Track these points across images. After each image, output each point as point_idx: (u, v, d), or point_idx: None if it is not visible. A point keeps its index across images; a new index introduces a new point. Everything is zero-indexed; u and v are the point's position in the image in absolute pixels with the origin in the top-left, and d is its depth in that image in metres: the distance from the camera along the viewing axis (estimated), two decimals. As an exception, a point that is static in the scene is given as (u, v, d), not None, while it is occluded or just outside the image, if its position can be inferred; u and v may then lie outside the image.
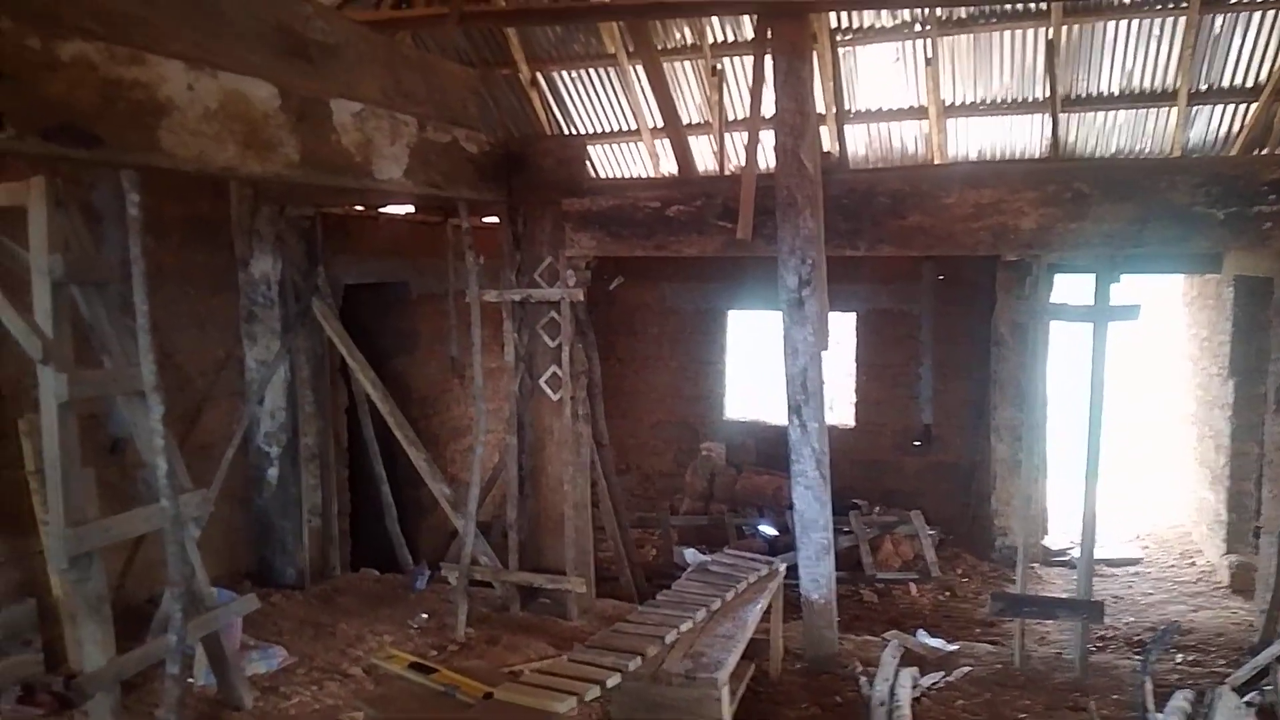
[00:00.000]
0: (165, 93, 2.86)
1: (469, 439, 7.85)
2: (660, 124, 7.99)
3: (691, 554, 6.73)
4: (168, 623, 4.26)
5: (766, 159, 5.36)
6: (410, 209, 6.45)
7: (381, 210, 6.33)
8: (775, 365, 8.01)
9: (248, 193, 5.29)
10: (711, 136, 7.65)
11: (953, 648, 4.77)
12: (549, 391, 4.98)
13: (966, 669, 4.35)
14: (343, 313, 5.77)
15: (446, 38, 6.08)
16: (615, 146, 8.05)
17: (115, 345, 3.56)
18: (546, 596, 5.03)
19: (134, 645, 3.56)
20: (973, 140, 6.96)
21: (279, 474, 5.49)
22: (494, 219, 6.08)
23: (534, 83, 7.55)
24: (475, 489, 4.91)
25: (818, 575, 4.38)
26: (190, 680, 3.69)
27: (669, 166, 8.08)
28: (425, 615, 4.90)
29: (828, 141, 6.16)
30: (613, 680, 2.96)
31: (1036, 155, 6.85)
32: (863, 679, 4.15)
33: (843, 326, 8.49)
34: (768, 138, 4.45)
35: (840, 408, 8.83)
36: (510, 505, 5.00)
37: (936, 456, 8.40)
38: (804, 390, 4.32)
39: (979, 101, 6.62)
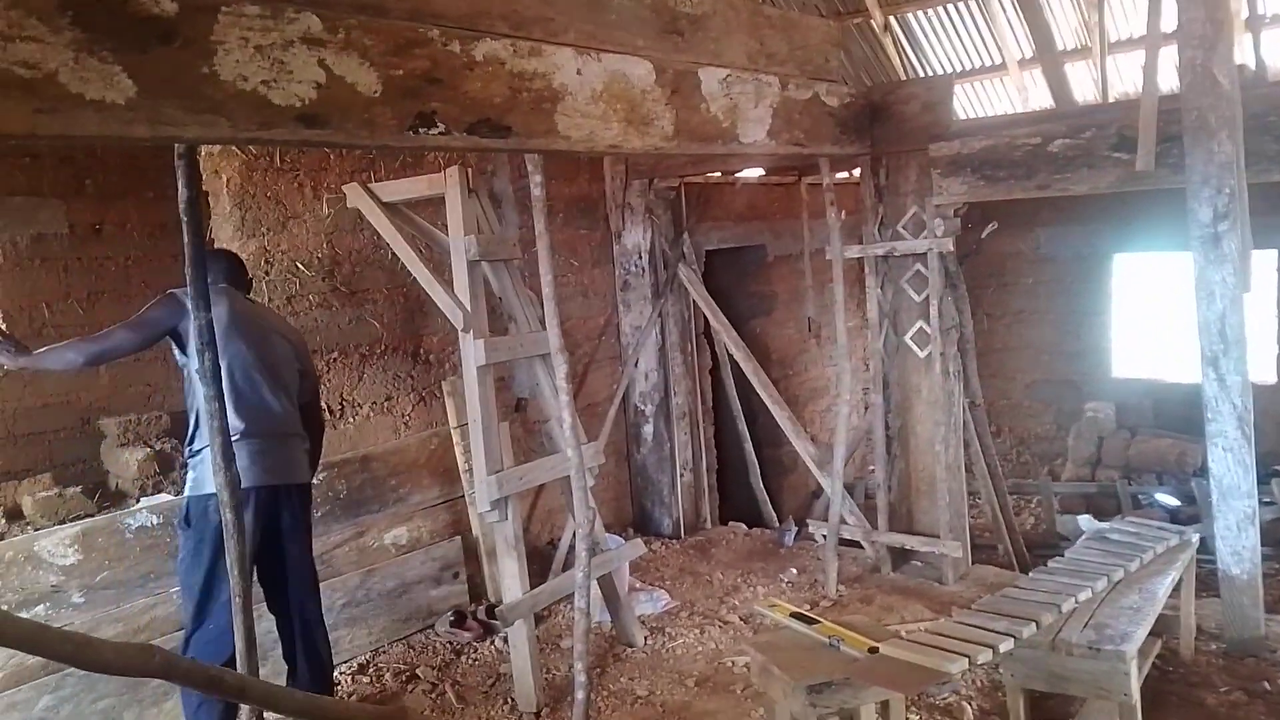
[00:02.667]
0: (560, 80, 3.10)
1: (827, 400, 7.85)
2: (1028, 55, 7.38)
3: (1086, 520, 6.24)
4: (570, 562, 4.77)
5: (1164, 80, 4.75)
6: (761, 172, 6.53)
7: (737, 175, 6.48)
8: (1173, 315, 7.17)
9: (620, 169, 5.65)
10: (1091, 62, 6.93)
11: None
12: (915, 349, 4.81)
13: None
14: (705, 277, 6.00)
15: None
16: (976, 85, 7.57)
17: (520, 314, 3.98)
18: (919, 560, 4.91)
19: (539, 582, 3.99)
20: None
21: (654, 431, 5.86)
22: (844, 174, 6.00)
23: (887, 28, 7.28)
24: (841, 448, 4.89)
25: (1239, 548, 3.85)
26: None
27: (1039, 100, 7.45)
28: (795, 571, 4.99)
29: (1240, 53, 5.32)
30: (1005, 645, 2.82)
31: None
32: (1300, 669, 3.61)
33: (1264, 266, 7.33)
34: (1166, 55, 3.94)
35: (1260, 360, 7.67)
36: (879, 465, 4.92)
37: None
38: (1222, 339, 3.79)
39: None
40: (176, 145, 2.28)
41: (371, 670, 3.92)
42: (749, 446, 6.47)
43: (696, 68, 3.69)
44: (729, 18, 3.90)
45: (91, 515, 3.51)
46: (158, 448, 4.08)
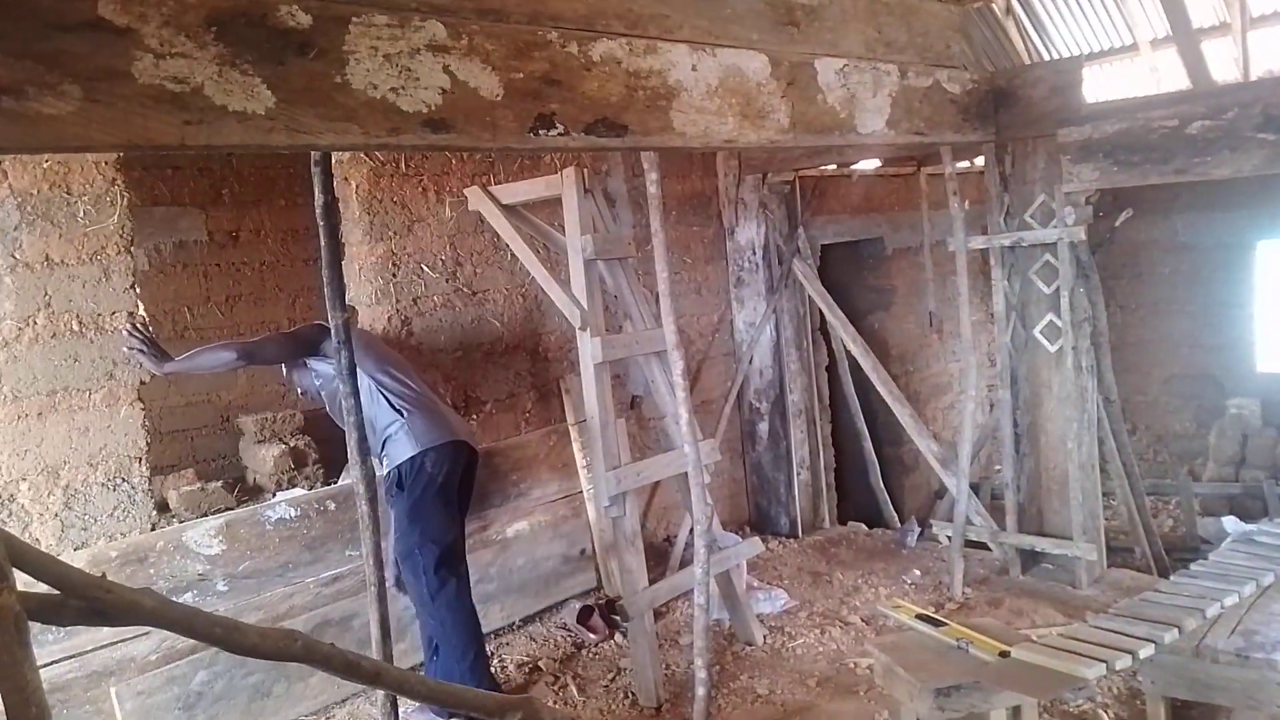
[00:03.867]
0: (675, 77, 3.10)
1: (949, 397, 7.63)
2: (1161, 35, 7.02)
3: (1231, 522, 5.89)
4: (687, 559, 4.77)
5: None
6: (878, 163, 6.39)
7: (853, 167, 6.35)
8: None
9: (733, 164, 5.62)
10: (1231, 39, 6.54)
11: None
12: (1045, 343, 4.63)
13: None
14: (820, 272, 5.91)
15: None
16: (1104, 66, 7.23)
17: (635, 311, 4.00)
18: (1050, 562, 4.72)
19: (656, 579, 4.00)
20: None
21: (769, 428, 5.80)
22: (964, 163, 5.81)
23: (1009, 11, 7.03)
24: (967, 446, 4.74)
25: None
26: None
27: (1173, 82, 7.06)
28: (918, 572, 4.86)
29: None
30: (1146, 651, 2.68)
31: None
32: None
33: None
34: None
35: None
36: (1006, 464, 4.75)
37: None
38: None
39: None
40: (312, 153, 2.38)
41: (496, 660, 4.01)
42: (868, 445, 6.34)
43: (813, 59, 3.64)
44: (845, 7, 3.84)
45: (231, 509, 3.70)
46: (292, 444, 4.27)
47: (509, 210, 4.20)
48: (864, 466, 6.40)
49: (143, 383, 3.42)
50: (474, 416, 4.51)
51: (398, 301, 4.24)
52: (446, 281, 4.44)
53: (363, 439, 2.49)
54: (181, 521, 3.59)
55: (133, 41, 1.94)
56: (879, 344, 6.81)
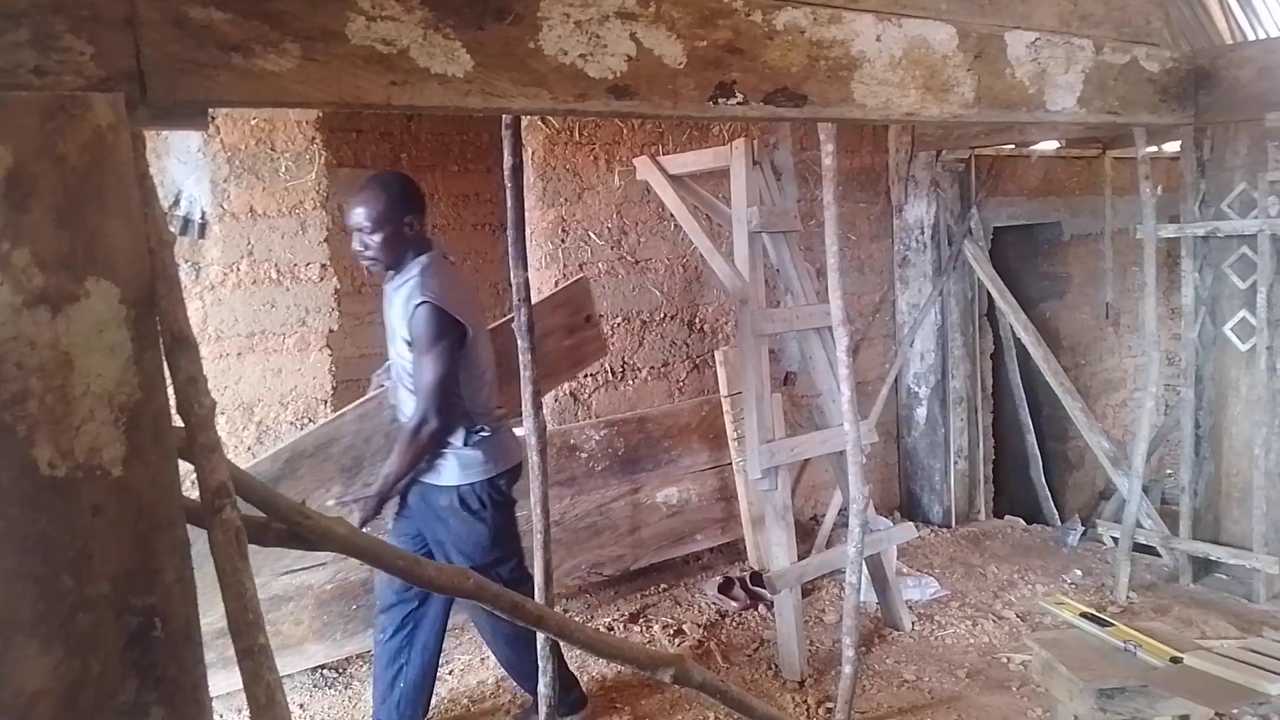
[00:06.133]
0: (858, 47, 3.04)
1: (1121, 393, 7.22)
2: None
3: None
4: (834, 539, 4.73)
5: None
6: (1059, 144, 6.07)
7: (1033, 147, 6.06)
8: None
9: (905, 140, 5.46)
10: None
11: None
12: (1236, 341, 4.31)
13: None
14: (991, 255, 5.69)
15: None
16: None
17: (797, 286, 3.97)
18: (1224, 573, 4.42)
19: (802, 556, 3.98)
20: None
21: (927, 414, 5.65)
22: (1152, 148, 5.44)
23: (1216, -16, 6.50)
24: (1142, 445, 4.48)
25: None
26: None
27: None
28: (1079, 572, 4.65)
29: None
30: (1338, 675, 2.49)
31: None
32: None
33: None
34: None
35: None
36: (1184, 467, 4.47)
37: None
38: None
39: None
40: (503, 116, 2.46)
41: (642, 621, 4.10)
42: (1031, 438, 6.09)
43: (1002, 31, 3.49)
44: (1041, -23, 3.65)
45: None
46: (457, 398, 4.45)
47: (676, 180, 4.23)
48: (1025, 460, 6.15)
49: (331, 331, 3.65)
50: (630, 383, 4.59)
51: (565, 266, 4.35)
52: (611, 249, 4.52)
53: (536, 394, 2.57)
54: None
55: (348, 4, 2.05)
56: (1050, 334, 6.51)
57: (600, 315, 4.19)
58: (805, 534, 4.97)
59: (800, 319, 3.86)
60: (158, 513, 1.39)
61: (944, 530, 5.43)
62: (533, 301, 2.73)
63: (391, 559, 1.84)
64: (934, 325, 5.57)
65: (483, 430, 2.95)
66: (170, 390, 1.42)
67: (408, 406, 2.93)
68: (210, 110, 1.98)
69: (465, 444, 2.92)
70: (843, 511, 4.31)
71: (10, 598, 1.25)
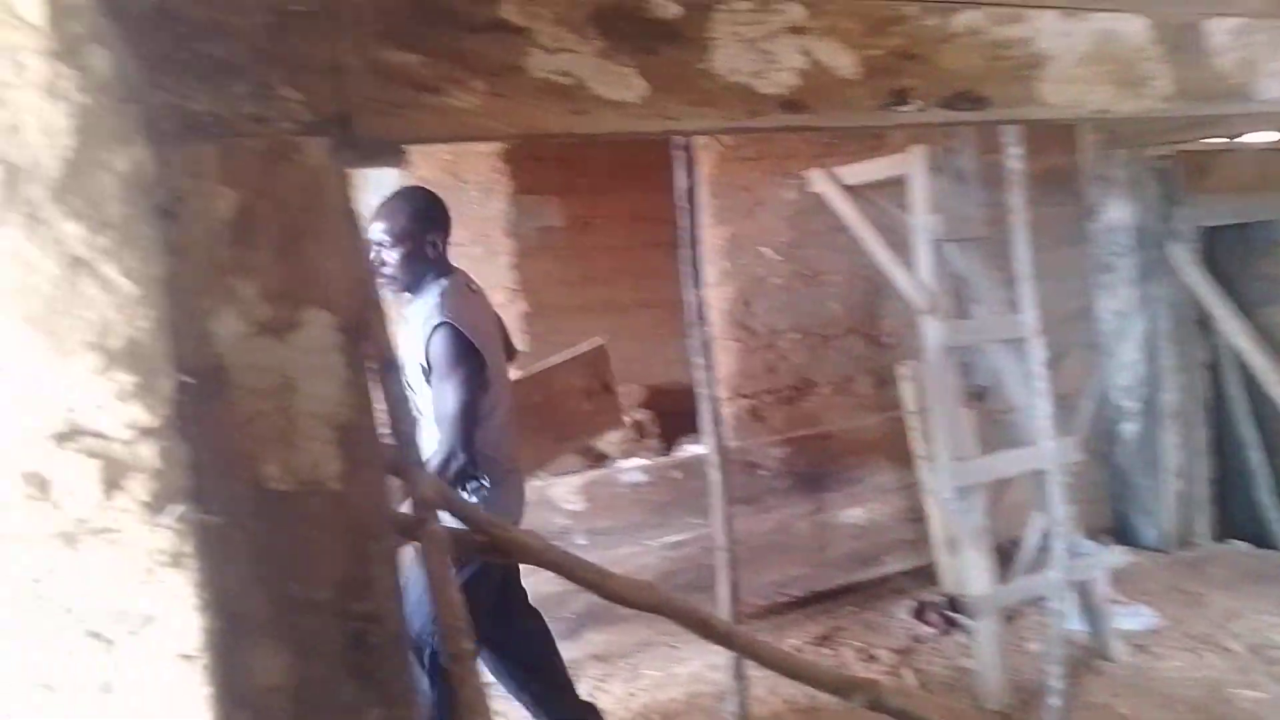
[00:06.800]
0: (1041, 44, 2.88)
1: (1364, 404, 6.47)
2: None
3: None
4: (1034, 562, 4.46)
5: None
6: (1275, 135, 5.53)
7: (1243, 140, 5.56)
8: None
9: (1098, 138, 5.14)
10: None
11: None
12: None
13: None
14: (1202, 258, 5.25)
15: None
16: None
17: (987, 296, 3.80)
18: None
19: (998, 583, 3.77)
20: None
21: (1137, 430, 5.26)
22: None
23: None
24: (1394, 460, 4.00)
25: None
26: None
27: None
28: (1319, 603, 4.19)
29: None
30: None
31: None
32: None
33: None
34: None
35: None
36: None
37: None
38: None
39: None
40: (677, 138, 2.50)
41: (831, 644, 4.01)
42: (1256, 454, 5.55)
43: (1201, 18, 3.23)
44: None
45: (579, 473, 3.99)
46: (635, 417, 4.52)
47: (852, 191, 4.15)
48: (1249, 479, 5.60)
49: (519, 353, 3.79)
50: (810, 399, 4.51)
51: (739, 282, 4.35)
52: (786, 263, 4.48)
53: (715, 411, 2.58)
54: (539, 481, 3.94)
55: (528, 39, 2.14)
56: (1273, 342, 5.92)
57: (614, 380, 3.65)
58: (1003, 557, 4.71)
59: (991, 330, 3.70)
60: (371, 525, 1.48)
61: (1159, 555, 5.02)
62: (554, 361, 2.65)
63: (581, 570, 1.88)
64: (1141, 334, 5.18)
65: (484, 481, 2.63)
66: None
67: (431, 442, 2.57)
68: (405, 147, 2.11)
69: (471, 495, 2.64)
70: (1045, 535, 4.06)
71: (247, 601, 1.36)
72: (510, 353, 3.01)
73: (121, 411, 0.72)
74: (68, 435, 0.71)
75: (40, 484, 0.70)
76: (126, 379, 0.72)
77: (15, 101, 0.65)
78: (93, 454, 0.72)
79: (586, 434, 3.73)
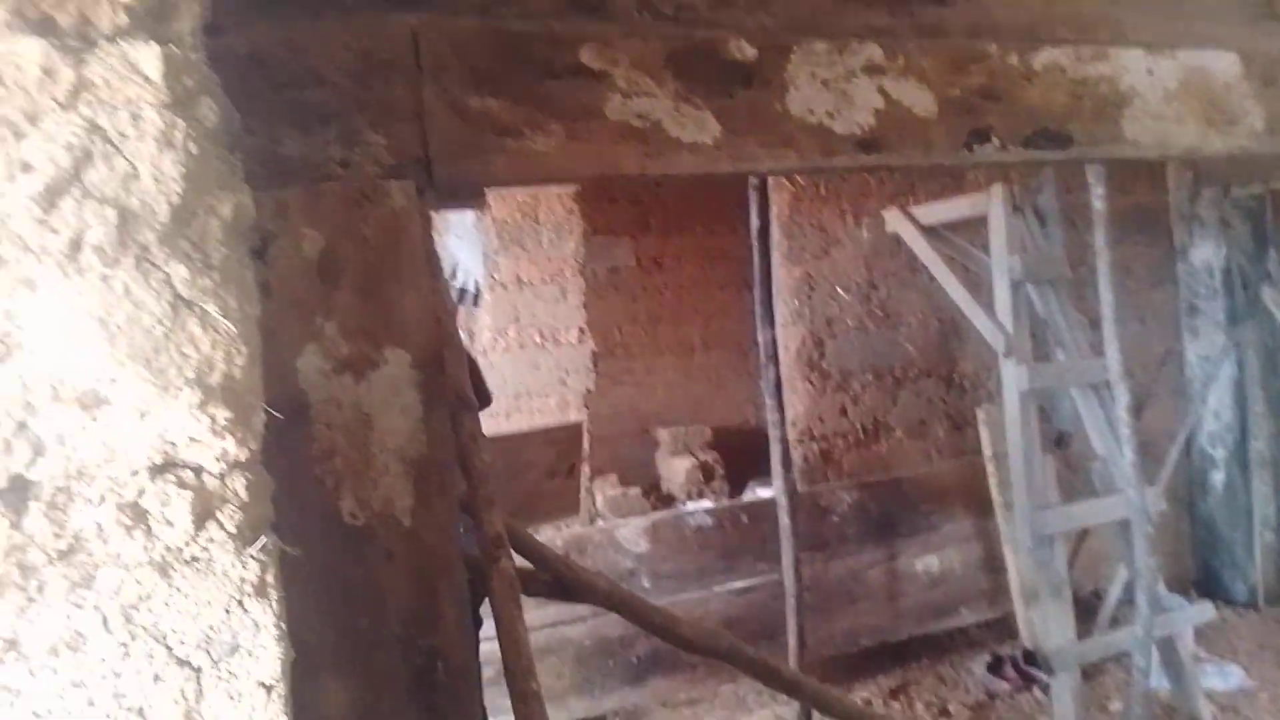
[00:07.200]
0: (1127, 82, 2.84)
1: None
2: None
3: None
4: (1117, 616, 4.29)
5: None
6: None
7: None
8: None
9: (1187, 177, 5.01)
10: None
11: None
12: None
13: None
14: (1297, 301, 5.04)
15: None
16: None
17: (1069, 339, 3.70)
18: None
19: (1081, 634, 3.64)
20: None
21: (1225, 479, 5.05)
22: None
23: None
24: None
25: None
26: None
27: None
28: None
29: None
30: None
31: None
32: None
33: None
34: None
35: None
36: None
37: None
38: None
39: None
40: (751, 178, 2.51)
41: (903, 697, 3.91)
42: (1354, 507, 5.28)
43: (1296, 52, 3.14)
44: (1347, -15, 3.26)
45: (645, 514, 3.98)
46: (701, 459, 4.51)
47: (928, 231, 4.10)
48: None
49: (588, 390, 3.83)
50: (883, 443, 4.44)
51: (812, 323, 4.32)
52: (860, 304, 4.44)
53: (786, 453, 2.55)
54: (604, 522, 3.94)
55: (606, 84, 2.18)
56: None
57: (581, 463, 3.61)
58: (1086, 611, 4.54)
59: (1073, 374, 3.60)
60: (442, 560, 1.50)
61: (1249, 611, 4.78)
62: (526, 428, 2.55)
63: (649, 614, 1.87)
64: (1231, 380, 4.99)
65: None
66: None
67: None
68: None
69: None
70: (1128, 587, 3.90)
71: (317, 633, 1.39)
72: (483, 399, 2.97)
73: (215, 445, 0.75)
74: (164, 467, 0.73)
75: (137, 513, 0.73)
76: (222, 414, 0.74)
77: (132, 151, 0.68)
78: (186, 485, 0.74)
79: (540, 516, 3.56)
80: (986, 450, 4.41)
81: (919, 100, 2.53)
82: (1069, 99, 2.74)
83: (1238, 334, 4.92)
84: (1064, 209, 4.78)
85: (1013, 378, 3.51)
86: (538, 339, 3.77)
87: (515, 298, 3.76)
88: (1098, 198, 3.04)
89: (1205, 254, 4.99)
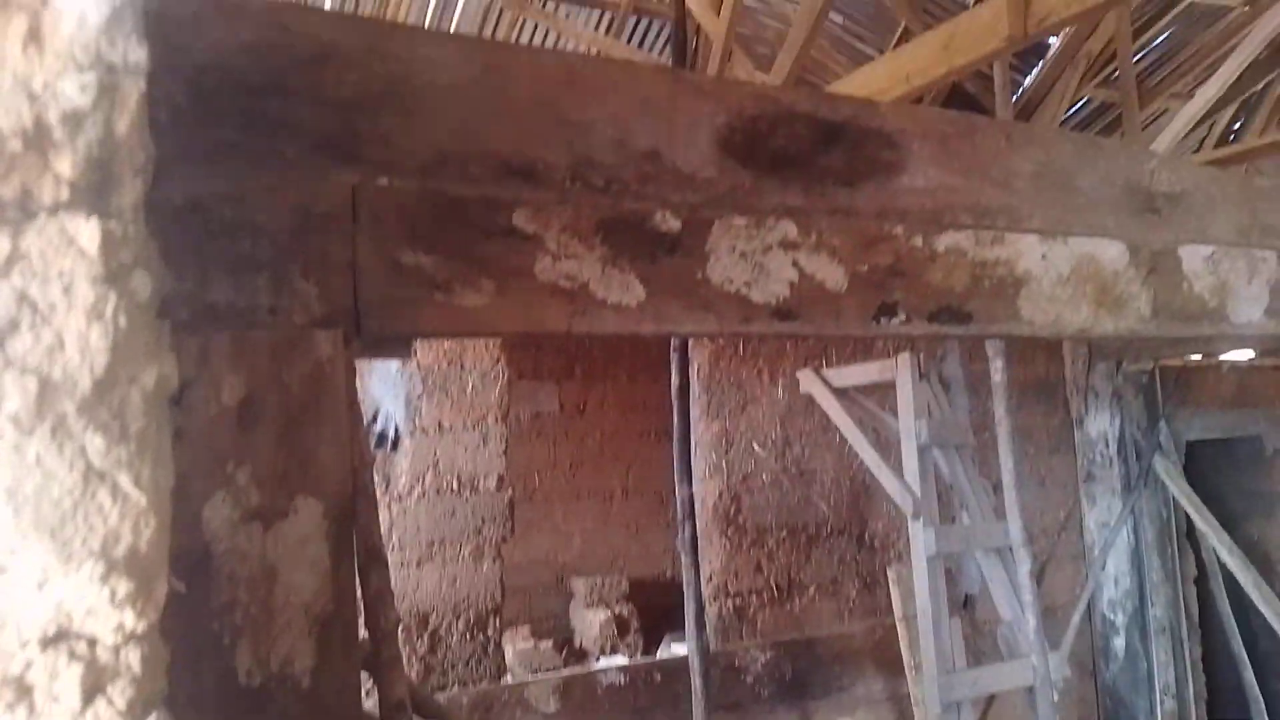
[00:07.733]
0: (1023, 266, 3.03)
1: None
2: None
3: None
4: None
5: None
6: (1250, 353, 5.73)
7: (1224, 357, 5.76)
8: None
9: (1082, 351, 5.32)
10: None
11: None
12: None
13: None
14: (1187, 471, 5.31)
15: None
16: None
17: (973, 502, 3.82)
18: None
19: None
20: None
21: (1126, 645, 5.16)
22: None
23: None
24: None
25: None
26: None
27: None
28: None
29: None
30: None
31: None
32: None
33: None
34: None
35: None
36: None
37: None
38: None
39: None
40: (672, 339, 2.59)
41: None
42: (1248, 674, 5.41)
43: (1176, 245, 3.43)
44: (1213, 193, 3.59)
45: (557, 669, 3.88)
46: (616, 611, 4.43)
47: (840, 393, 4.25)
48: (1243, 699, 5.44)
49: (503, 539, 3.77)
50: (797, 601, 4.44)
51: (729, 478, 4.37)
52: (775, 460, 4.52)
53: (699, 613, 2.54)
54: (514, 677, 3.82)
55: (537, 246, 2.26)
56: (1259, 557, 5.89)
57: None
58: (993, 777, 4.51)
59: (977, 537, 3.70)
60: (339, 724, 1.43)
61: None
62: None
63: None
64: (1128, 546, 5.18)
65: None
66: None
67: None
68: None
69: None
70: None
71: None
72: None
73: (113, 617, 0.73)
74: (56, 638, 0.71)
75: (21, 689, 0.70)
76: (124, 586, 0.73)
77: (60, 323, 0.70)
78: (78, 657, 0.72)
79: None
80: (897, 611, 4.45)
81: (831, 275, 2.67)
82: (969, 279, 2.92)
83: (1132, 502, 5.13)
84: (967, 378, 5.02)
85: (920, 540, 3.58)
86: (455, 485, 3.73)
87: (435, 443, 3.74)
88: (996, 370, 3.21)
89: (1101, 424, 5.26)
